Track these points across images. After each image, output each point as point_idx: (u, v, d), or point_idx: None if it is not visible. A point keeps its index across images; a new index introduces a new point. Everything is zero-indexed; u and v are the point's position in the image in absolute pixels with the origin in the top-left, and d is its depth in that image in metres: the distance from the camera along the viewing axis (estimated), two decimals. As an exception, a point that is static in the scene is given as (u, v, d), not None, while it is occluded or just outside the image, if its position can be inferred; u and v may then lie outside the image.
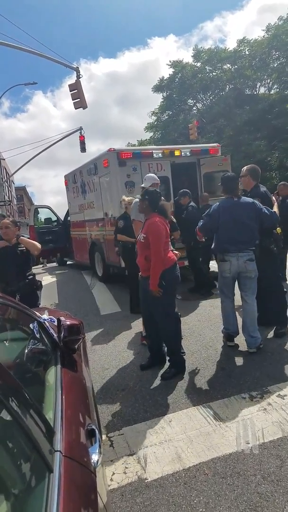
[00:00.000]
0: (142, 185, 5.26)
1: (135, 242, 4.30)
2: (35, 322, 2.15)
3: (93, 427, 1.65)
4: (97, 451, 1.51)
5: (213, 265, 7.41)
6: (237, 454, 2.65)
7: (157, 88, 37.43)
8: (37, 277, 4.85)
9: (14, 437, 1.16)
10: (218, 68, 35.27)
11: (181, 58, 38.58)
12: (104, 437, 2.98)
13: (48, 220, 13.74)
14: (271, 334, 4.66)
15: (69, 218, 12.12)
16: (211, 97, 36.77)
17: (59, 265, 13.90)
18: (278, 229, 4.62)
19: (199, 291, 6.87)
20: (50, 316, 2.63)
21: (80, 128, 18.65)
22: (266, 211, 4.19)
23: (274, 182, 26.29)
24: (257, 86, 34.87)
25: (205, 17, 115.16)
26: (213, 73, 35.47)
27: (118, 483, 2.51)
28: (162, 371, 4.02)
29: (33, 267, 4.90)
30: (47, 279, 10.89)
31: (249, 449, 2.69)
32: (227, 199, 4.29)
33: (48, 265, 14.67)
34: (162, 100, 37.96)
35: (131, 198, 5.85)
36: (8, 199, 27.59)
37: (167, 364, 4.11)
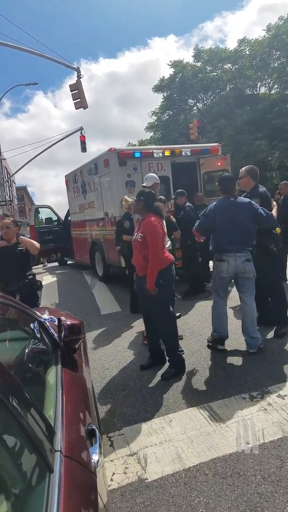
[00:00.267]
0: (144, 184, 5.26)
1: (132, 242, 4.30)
2: (36, 322, 2.15)
3: (94, 427, 1.65)
4: (98, 451, 1.51)
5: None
6: (237, 455, 2.65)
7: (158, 88, 37.43)
8: (38, 277, 4.86)
9: (14, 437, 1.16)
10: (218, 68, 35.26)
11: (182, 58, 38.55)
12: (104, 437, 2.98)
13: (48, 220, 13.76)
14: (271, 334, 4.66)
15: (69, 218, 12.13)
16: (211, 97, 36.76)
17: (59, 265, 13.91)
18: (278, 229, 4.63)
19: (194, 293, 6.87)
20: (50, 316, 2.63)
21: (81, 128, 18.65)
22: (262, 212, 4.18)
23: (274, 182, 26.28)
24: (258, 86, 34.87)
25: (205, 17, 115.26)
26: (214, 73, 35.46)
27: (118, 483, 2.50)
28: (162, 371, 4.02)
29: (33, 267, 4.91)
30: (47, 279, 10.90)
31: (249, 450, 2.69)
32: (224, 199, 4.29)
33: (49, 264, 14.67)
34: (163, 100, 37.96)
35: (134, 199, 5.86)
36: (9, 199, 27.57)
37: (167, 364, 4.11)
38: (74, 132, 19.42)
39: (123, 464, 2.69)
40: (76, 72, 14.22)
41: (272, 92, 33.63)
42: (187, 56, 75.41)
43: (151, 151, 8.18)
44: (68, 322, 2.15)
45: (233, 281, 4.39)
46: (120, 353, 4.75)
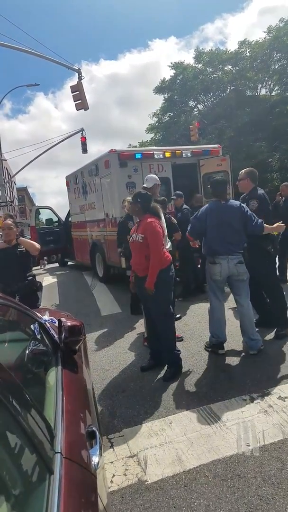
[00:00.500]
0: (144, 185, 5.26)
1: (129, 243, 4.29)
2: (36, 323, 2.15)
3: (94, 428, 1.64)
4: (98, 452, 1.50)
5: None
6: (237, 457, 2.65)
7: (159, 90, 37.46)
8: (38, 278, 4.85)
9: (14, 438, 1.16)
10: (219, 69, 35.31)
11: (182, 60, 38.67)
12: (104, 438, 2.97)
13: (49, 220, 13.77)
14: (271, 336, 4.66)
15: (70, 219, 12.14)
16: (212, 99, 36.80)
17: (60, 266, 13.91)
18: (275, 232, 4.64)
19: (191, 293, 6.86)
20: (51, 317, 2.63)
21: (82, 130, 18.67)
22: (252, 217, 4.18)
23: (275, 183, 26.29)
24: (258, 88, 34.90)
25: (206, 19, 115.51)
26: (214, 75, 35.50)
27: (118, 485, 2.50)
28: (163, 372, 4.01)
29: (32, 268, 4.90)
30: (48, 280, 10.90)
31: (250, 452, 2.68)
32: (215, 202, 4.32)
33: (49, 265, 14.67)
34: (163, 101, 37.99)
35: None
36: (9, 200, 27.62)
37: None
38: (75, 133, 19.47)
39: (123, 465, 2.68)
40: (77, 74, 14.23)
41: (273, 93, 33.67)
42: (188, 58, 75.67)
43: (152, 152, 8.19)
44: (69, 323, 2.15)
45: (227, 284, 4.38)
46: (121, 355, 4.75)
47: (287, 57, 30.97)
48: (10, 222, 4.49)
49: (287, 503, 2.22)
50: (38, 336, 2.02)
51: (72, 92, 14.18)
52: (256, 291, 4.83)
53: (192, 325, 5.43)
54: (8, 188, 36.19)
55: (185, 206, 7.09)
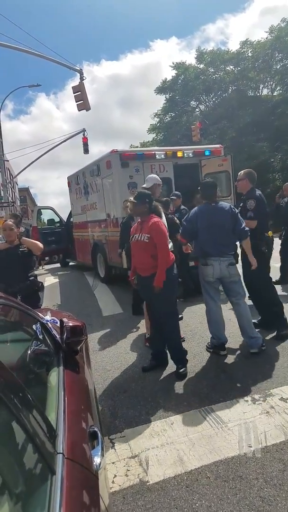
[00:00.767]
0: (144, 185, 5.26)
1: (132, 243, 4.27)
2: (38, 323, 2.15)
3: (96, 429, 1.64)
4: (99, 453, 1.50)
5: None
6: (239, 458, 2.64)
7: (160, 90, 37.50)
8: (40, 278, 4.85)
9: (16, 438, 1.16)
10: (221, 69, 35.34)
11: (184, 60, 38.69)
12: (106, 439, 2.97)
13: (51, 221, 13.79)
14: (271, 337, 4.65)
15: (71, 219, 12.15)
16: (213, 99, 36.83)
17: (61, 266, 13.92)
18: (270, 233, 4.70)
19: (192, 294, 6.85)
20: (52, 317, 2.63)
21: (83, 130, 18.70)
22: (241, 221, 4.23)
23: (277, 183, 26.26)
24: (260, 88, 34.88)
25: (207, 19, 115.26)
26: (216, 75, 35.52)
27: (119, 485, 2.50)
28: (165, 373, 4.01)
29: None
30: (49, 280, 10.91)
31: (252, 453, 2.67)
32: (205, 205, 4.34)
33: (51, 266, 14.67)
34: (165, 101, 38.03)
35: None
36: (11, 200, 27.66)
37: (169, 366, 4.13)
38: (76, 134, 19.49)
39: (124, 466, 2.68)
40: (78, 74, 14.25)
41: (275, 94, 33.64)
42: (189, 58, 75.51)
43: (153, 152, 8.19)
44: (70, 324, 2.15)
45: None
46: (122, 355, 4.75)
47: (289, 58, 30.95)
48: (10, 222, 4.50)
49: (289, 505, 2.21)
50: (40, 336, 2.02)
51: (74, 93, 14.20)
52: (257, 291, 4.84)
53: (194, 325, 5.43)
54: (10, 189, 36.24)
55: (183, 206, 7.09)
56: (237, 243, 4.52)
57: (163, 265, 3.86)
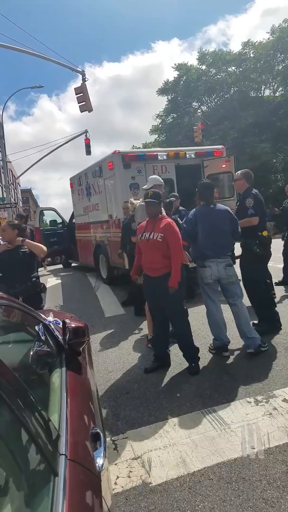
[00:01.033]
0: (145, 186, 5.25)
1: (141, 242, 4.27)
2: (41, 324, 2.15)
3: (98, 430, 1.64)
4: (102, 454, 1.50)
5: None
6: (242, 459, 2.63)
7: (162, 91, 37.55)
8: (42, 279, 4.85)
9: (19, 440, 1.16)
10: (223, 70, 35.36)
11: (185, 61, 38.73)
12: (108, 440, 2.97)
13: (53, 222, 13.81)
14: (275, 338, 4.64)
15: (74, 220, 12.16)
16: (215, 100, 36.84)
17: (64, 267, 13.93)
18: (265, 232, 4.71)
19: (194, 295, 6.85)
20: (55, 319, 2.62)
21: (86, 131, 18.71)
22: (237, 223, 4.34)
23: (279, 184, 26.26)
24: (262, 89, 34.88)
25: (208, 20, 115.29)
26: (218, 76, 35.54)
27: (122, 487, 2.49)
28: (168, 374, 4.01)
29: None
30: (51, 281, 10.91)
31: (255, 454, 2.66)
32: (204, 206, 4.36)
33: (53, 267, 14.69)
34: (167, 102, 38.06)
35: (138, 201, 5.86)
36: (14, 201, 27.70)
37: (171, 366, 4.13)
38: (79, 135, 19.51)
39: (127, 467, 2.68)
40: (81, 76, 14.27)
41: (277, 94, 33.65)
42: (191, 60, 75.58)
43: (155, 153, 8.18)
44: (73, 325, 2.15)
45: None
46: (124, 356, 4.74)
47: (291, 58, 30.94)
48: (5, 224, 4.53)
49: (293, 507, 2.20)
50: (43, 338, 2.02)
51: (76, 94, 14.21)
52: (259, 292, 4.85)
53: (196, 326, 5.41)
54: (12, 190, 36.29)
55: (181, 208, 7.10)
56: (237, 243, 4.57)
57: (178, 265, 3.91)
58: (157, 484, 2.48)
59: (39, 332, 2.02)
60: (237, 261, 4.75)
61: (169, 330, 4.43)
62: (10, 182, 27.11)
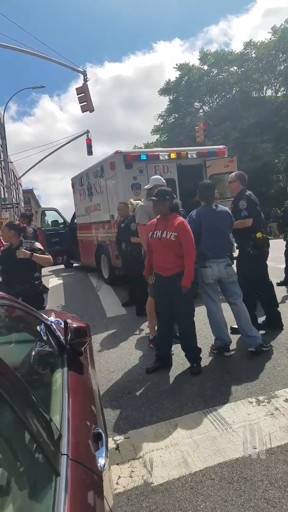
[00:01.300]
0: (146, 186, 5.25)
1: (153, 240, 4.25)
2: (42, 324, 2.15)
3: (100, 430, 1.64)
4: (104, 454, 1.50)
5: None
6: (244, 459, 2.63)
7: (164, 91, 37.50)
8: (44, 279, 4.83)
9: (20, 440, 1.16)
10: (224, 71, 35.30)
11: (187, 61, 38.70)
12: (110, 440, 2.97)
13: (55, 222, 13.82)
14: (278, 339, 4.63)
15: (75, 221, 12.17)
16: (217, 100, 36.79)
17: (65, 267, 13.94)
18: (259, 234, 4.74)
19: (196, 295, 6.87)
20: (56, 319, 2.63)
21: (87, 131, 18.73)
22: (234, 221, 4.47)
23: (281, 184, 26.21)
24: (264, 89, 34.83)
25: (210, 21, 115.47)
26: (220, 76, 35.49)
27: (124, 487, 2.49)
28: (171, 374, 4.00)
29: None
30: (53, 281, 10.93)
31: (256, 454, 2.66)
32: (206, 207, 4.38)
33: (55, 267, 14.70)
34: (169, 102, 38.02)
35: (139, 201, 5.86)
36: (15, 202, 27.76)
37: (173, 367, 4.12)
38: (80, 135, 19.52)
39: (129, 467, 2.68)
40: (82, 76, 14.27)
41: (279, 94, 33.60)
42: (192, 60, 75.68)
43: (157, 153, 8.18)
44: (75, 325, 2.15)
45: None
46: (126, 356, 4.75)
47: (293, 58, 30.90)
48: (3, 225, 4.54)
49: (294, 507, 2.20)
50: (44, 338, 2.02)
51: (77, 94, 14.21)
52: (260, 292, 4.86)
53: (198, 326, 5.38)
54: (14, 190, 36.36)
55: (181, 208, 7.10)
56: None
57: (191, 264, 3.92)
58: (159, 484, 2.48)
59: (41, 332, 2.03)
60: (234, 261, 4.78)
61: (173, 330, 4.45)
62: (11, 183, 27.15)
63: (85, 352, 2.35)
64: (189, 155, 8.34)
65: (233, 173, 4.97)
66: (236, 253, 5.06)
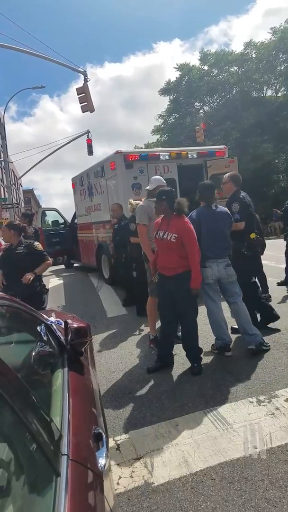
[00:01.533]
0: (147, 187, 5.25)
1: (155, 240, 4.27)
2: (43, 324, 2.15)
3: (100, 430, 1.64)
4: (104, 454, 1.50)
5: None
6: (244, 459, 2.63)
7: (164, 91, 37.48)
8: (44, 280, 4.82)
9: (21, 440, 1.16)
10: (225, 71, 35.28)
11: (188, 61, 38.66)
12: (110, 440, 2.97)
13: (55, 222, 13.82)
14: (278, 338, 4.63)
15: (76, 221, 12.17)
16: (218, 100, 36.77)
17: (66, 267, 13.95)
18: (252, 235, 4.77)
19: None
20: (57, 319, 2.63)
21: (88, 132, 18.73)
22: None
23: (281, 184, 26.21)
24: (264, 89, 34.81)
25: (210, 21, 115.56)
26: (220, 76, 35.47)
27: (124, 487, 2.49)
28: (173, 374, 4.00)
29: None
30: (54, 282, 10.93)
31: (257, 454, 2.66)
32: (206, 208, 4.39)
33: (55, 267, 14.71)
34: (169, 103, 37.99)
35: (138, 201, 5.85)
36: (16, 202, 27.77)
37: (174, 367, 4.12)
38: (80, 136, 19.52)
39: (129, 468, 2.68)
40: (82, 76, 14.27)
41: (279, 95, 33.58)
42: (192, 60, 75.67)
43: (158, 153, 8.18)
44: (75, 325, 2.15)
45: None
46: (127, 356, 4.75)
47: (293, 58, 30.89)
48: (3, 225, 4.54)
49: (295, 507, 2.20)
50: (45, 338, 2.02)
51: (78, 94, 14.21)
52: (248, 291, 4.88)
53: (199, 326, 5.39)
54: (14, 190, 36.38)
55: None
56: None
57: (197, 265, 3.92)
58: (160, 484, 2.48)
59: (41, 332, 2.03)
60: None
61: (176, 330, 4.45)
62: (12, 183, 27.15)
63: (86, 352, 2.35)
64: (189, 155, 8.35)
65: (227, 174, 4.99)
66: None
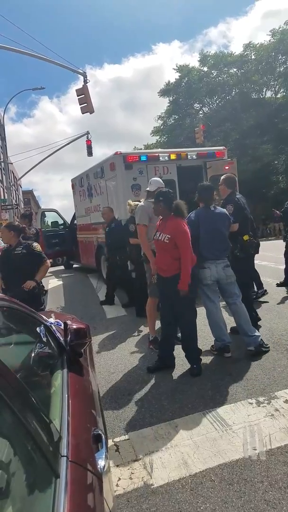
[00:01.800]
0: (147, 188, 5.25)
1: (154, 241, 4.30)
2: (42, 325, 2.15)
3: (100, 432, 1.64)
4: (104, 456, 1.50)
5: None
6: (244, 461, 2.63)
7: (164, 92, 37.48)
8: (43, 281, 4.81)
9: (20, 441, 1.16)
10: (224, 72, 35.30)
11: (187, 63, 38.70)
12: (110, 441, 2.96)
13: (55, 223, 13.81)
14: (278, 340, 4.63)
15: (75, 222, 12.17)
16: (217, 101, 36.78)
17: (65, 268, 13.94)
18: (245, 236, 4.81)
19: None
20: (56, 320, 2.63)
21: (87, 133, 18.74)
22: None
23: (281, 185, 26.22)
24: (264, 90, 34.84)
25: (209, 23, 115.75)
26: (219, 78, 35.48)
27: (124, 488, 2.49)
28: (174, 376, 3.99)
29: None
30: (53, 283, 10.92)
31: (256, 456, 2.66)
32: (205, 209, 4.40)
33: (55, 268, 14.70)
34: (169, 104, 38.00)
35: (137, 202, 5.85)
36: (15, 203, 27.76)
37: (175, 367, 4.12)
38: (80, 137, 19.53)
39: (128, 469, 2.67)
40: (82, 77, 14.29)
41: (278, 96, 33.61)
42: (192, 62, 75.73)
43: (157, 154, 8.19)
44: (74, 326, 2.15)
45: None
46: (126, 357, 4.74)
47: (293, 60, 30.93)
48: (3, 226, 4.54)
49: (295, 508, 2.19)
50: (44, 339, 2.02)
51: (77, 96, 14.23)
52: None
53: (198, 327, 5.38)
54: (14, 191, 36.36)
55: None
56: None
57: (187, 267, 3.88)
58: (159, 486, 2.48)
59: (41, 333, 2.03)
60: None
61: (176, 331, 4.45)
62: (11, 184, 27.14)
63: (85, 353, 2.35)
64: (189, 156, 8.35)
65: (222, 176, 5.06)
66: None
